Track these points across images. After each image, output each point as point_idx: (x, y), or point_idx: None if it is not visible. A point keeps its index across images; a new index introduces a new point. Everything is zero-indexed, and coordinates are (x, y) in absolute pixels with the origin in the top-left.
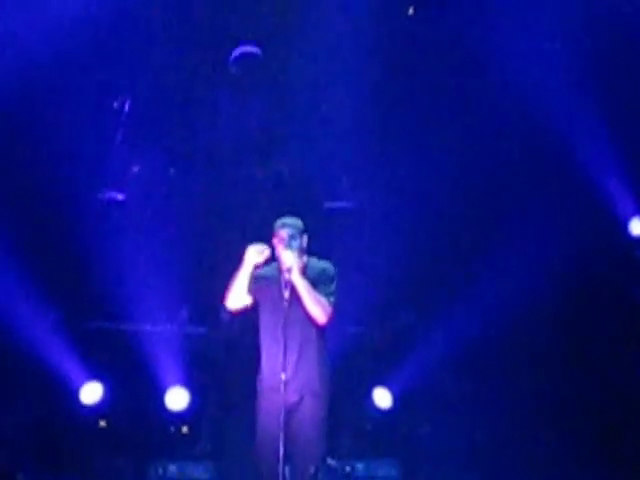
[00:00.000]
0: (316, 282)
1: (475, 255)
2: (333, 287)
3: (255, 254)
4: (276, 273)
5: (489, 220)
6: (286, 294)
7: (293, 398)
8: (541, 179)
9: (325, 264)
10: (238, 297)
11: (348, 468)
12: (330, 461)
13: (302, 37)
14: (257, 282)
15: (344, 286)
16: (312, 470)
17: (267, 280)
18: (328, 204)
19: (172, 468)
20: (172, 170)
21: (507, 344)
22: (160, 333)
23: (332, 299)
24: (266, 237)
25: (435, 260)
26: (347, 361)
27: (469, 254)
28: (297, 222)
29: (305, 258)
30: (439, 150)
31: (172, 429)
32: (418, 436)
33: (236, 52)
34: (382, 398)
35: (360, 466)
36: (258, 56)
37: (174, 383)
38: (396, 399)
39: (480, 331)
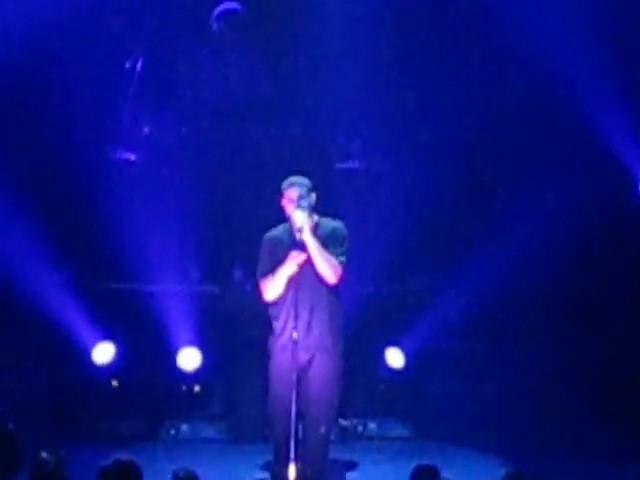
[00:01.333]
0: (327, 242)
1: (488, 217)
2: (344, 247)
3: (298, 258)
4: (287, 234)
5: (502, 183)
6: (298, 251)
7: (305, 357)
8: (553, 140)
9: (336, 224)
10: (278, 293)
11: (360, 428)
12: (342, 421)
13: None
14: (272, 244)
15: (357, 247)
16: (324, 429)
17: (278, 241)
18: (339, 165)
19: (184, 428)
20: (184, 129)
21: (519, 304)
22: (172, 293)
23: (342, 259)
24: (278, 196)
25: (447, 221)
26: (359, 321)
27: (482, 216)
28: (305, 181)
29: (316, 217)
30: (451, 111)
31: (184, 389)
32: (430, 396)
33: (220, 9)
34: (395, 358)
35: (372, 426)
36: (239, 13)
37: (186, 343)
38: (409, 359)
39: (492, 291)
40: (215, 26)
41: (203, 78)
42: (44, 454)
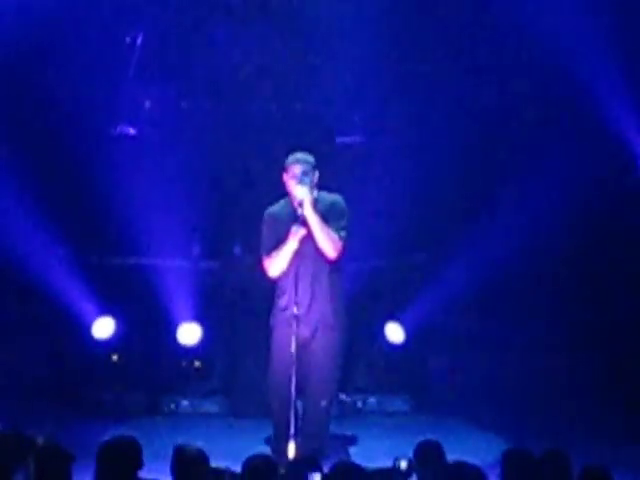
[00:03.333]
0: (326, 216)
1: (489, 192)
2: (344, 222)
3: (299, 233)
4: (287, 209)
5: (503, 157)
6: (299, 225)
7: (306, 332)
8: (554, 116)
9: (335, 198)
10: (282, 269)
11: (360, 403)
12: (342, 396)
13: None
14: (273, 219)
15: (358, 221)
16: (324, 404)
17: (279, 216)
18: (340, 139)
19: (184, 403)
20: (184, 104)
21: (520, 280)
22: (172, 268)
23: (343, 234)
24: (280, 171)
25: (449, 196)
26: (359, 296)
27: (483, 190)
28: (309, 158)
29: (315, 192)
30: (452, 85)
31: (184, 364)
32: (430, 371)
33: None
34: (395, 333)
35: (372, 401)
36: None
37: (186, 318)
38: (409, 334)
39: (494, 266)
40: None
41: (205, 53)
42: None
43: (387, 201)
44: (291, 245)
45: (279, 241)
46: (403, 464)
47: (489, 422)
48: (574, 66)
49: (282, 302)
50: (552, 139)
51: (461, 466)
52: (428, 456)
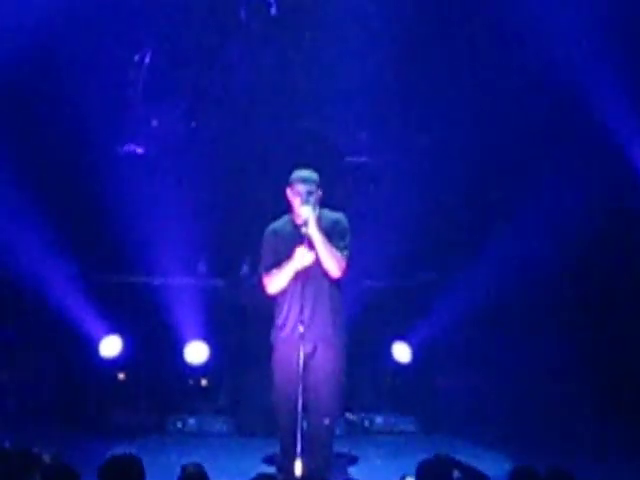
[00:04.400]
0: (329, 234)
1: (495, 212)
2: (347, 240)
3: (304, 256)
4: (289, 226)
5: (510, 178)
6: (303, 246)
7: (308, 349)
8: (562, 138)
9: (338, 216)
10: (282, 287)
11: (367, 422)
12: (349, 415)
13: None
14: (274, 236)
15: (365, 240)
16: (327, 422)
17: (281, 234)
18: (349, 158)
19: (191, 422)
20: (193, 123)
21: (526, 299)
22: (179, 286)
23: (346, 252)
24: (285, 190)
25: (456, 216)
26: (367, 315)
27: (489, 210)
28: (314, 176)
29: (317, 210)
30: (460, 107)
31: (191, 383)
32: (437, 390)
33: None
34: (401, 352)
35: (379, 420)
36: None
37: (193, 336)
38: (415, 353)
39: (499, 286)
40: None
41: (213, 72)
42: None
43: (394, 220)
44: (294, 265)
45: (279, 258)
46: None
47: (496, 442)
48: (579, 86)
49: (282, 320)
50: (557, 163)
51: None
52: (432, 473)
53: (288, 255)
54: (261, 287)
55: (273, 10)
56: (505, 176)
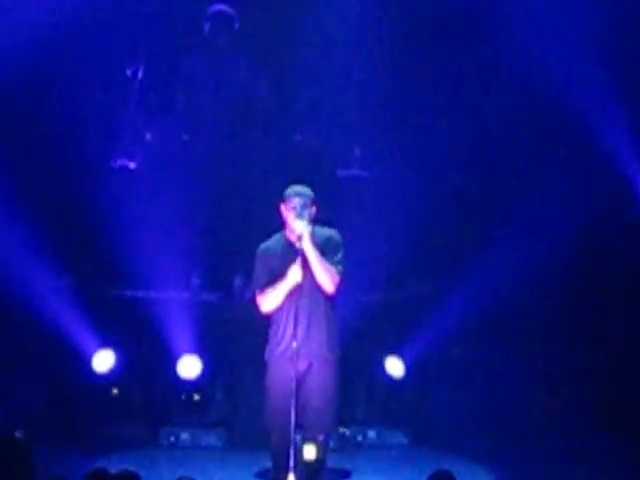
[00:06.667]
0: (323, 250)
1: (489, 225)
2: (340, 256)
3: (299, 274)
4: (281, 243)
5: (504, 191)
6: (297, 263)
7: (302, 365)
8: (554, 150)
9: (331, 232)
10: (277, 305)
11: (360, 436)
12: (342, 429)
13: (314, 4)
14: (267, 254)
15: (357, 254)
16: (321, 438)
17: (273, 252)
18: (341, 172)
19: (184, 436)
20: (185, 137)
21: (520, 314)
22: (172, 300)
23: (340, 268)
24: (279, 204)
25: (448, 229)
26: (359, 330)
27: (483, 224)
28: (308, 191)
29: (310, 226)
30: (452, 119)
31: (184, 397)
32: (430, 405)
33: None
34: (394, 367)
35: (372, 434)
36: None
37: (186, 351)
38: (408, 368)
39: (493, 301)
40: (207, 28)
41: (198, 84)
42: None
43: (387, 234)
44: (288, 283)
45: (273, 276)
46: None
47: (489, 456)
48: (575, 100)
49: (278, 337)
50: (551, 173)
51: None
52: None
53: (282, 272)
54: (255, 306)
55: (236, 25)
56: (500, 188)
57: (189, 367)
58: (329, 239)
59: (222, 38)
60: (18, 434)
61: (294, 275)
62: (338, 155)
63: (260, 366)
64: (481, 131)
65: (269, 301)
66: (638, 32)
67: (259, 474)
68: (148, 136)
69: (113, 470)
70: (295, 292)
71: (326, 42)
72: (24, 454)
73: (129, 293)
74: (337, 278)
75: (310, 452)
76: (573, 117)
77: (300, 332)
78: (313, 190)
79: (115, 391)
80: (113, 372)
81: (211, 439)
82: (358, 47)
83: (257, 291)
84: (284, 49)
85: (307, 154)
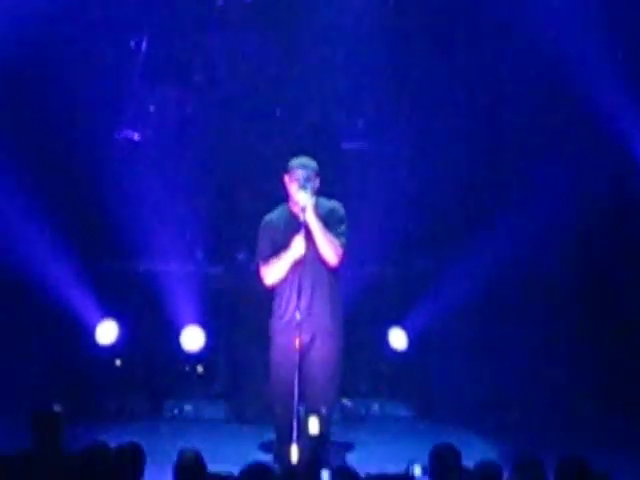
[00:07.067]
0: (326, 222)
1: (492, 198)
2: (343, 228)
3: (302, 246)
4: (285, 215)
5: (506, 163)
6: (300, 235)
7: (306, 337)
8: (557, 122)
9: (334, 204)
10: (280, 277)
11: (363, 408)
12: (345, 401)
13: None
14: (270, 226)
15: (361, 228)
16: (324, 410)
17: (277, 224)
18: (345, 144)
19: (187, 407)
20: (188, 109)
21: (523, 286)
22: (176, 272)
23: (343, 240)
24: (282, 176)
25: (452, 202)
26: (363, 302)
27: (486, 197)
28: (312, 163)
29: (314, 198)
30: (457, 93)
31: (187, 369)
32: (433, 377)
33: None
34: (398, 339)
35: (375, 407)
36: None
37: (190, 323)
38: (412, 340)
39: (497, 272)
40: (220, 1)
41: (211, 56)
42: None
43: (391, 207)
44: (292, 255)
45: (277, 249)
46: (417, 470)
47: (492, 428)
48: (574, 76)
49: (281, 309)
50: (552, 148)
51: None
52: (444, 459)
53: (285, 244)
54: (259, 278)
55: None
56: (503, 162)
57: (192, 339)
58: (332, 211)
59: (235, 11)
60: (56, 408)
61: (297, 247)
62: (342, 128)
63: (264, 338)
64: (486, 105)
65: (272, 273)
66: None
67: (262, 446)
68: (152, 108)
69: (114, 443)
70: (298, 264)
71: (331, 15)
72: (60, 425)
73: (133, 265)
74: (340, 250)
75: (314, 425)
76: (575, 92)
77: (303, 304)
78: (317, 162)
79: (118, 362)
80: (116, 344)
81: (214, 411)
82: (363, 18)
83: (260, 263)
84: (291, 22)
85: (312, 127)
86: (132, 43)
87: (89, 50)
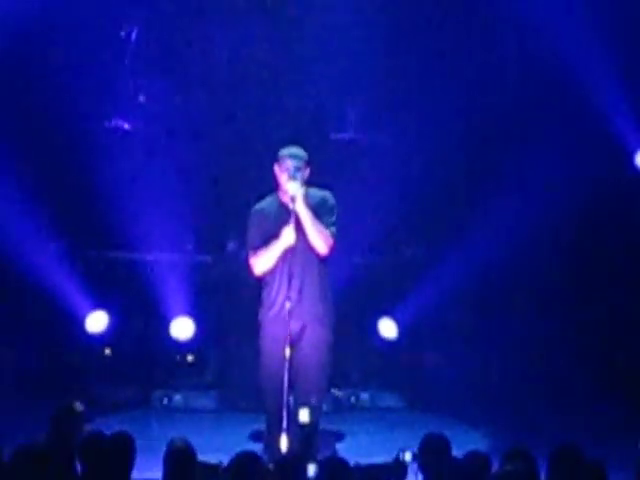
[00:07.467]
0: (317, 212)
1: (483, 188)
2: (334, 217)
3: (292, 236)
4: (275, 204)
5: (497, 153)
6: (290, 224)
7: (296, 327)
8: (549, 113)
9: (325, 193)
10: (269, 267)
11: (353, 398)
12: (335, 391)
13: None
14: (260, 216)
15: (351, 217)
16: (314, 400)
17: (267, 213)
18: (334, 135)
19: (177, 397)
20: (178, 99)
21: (513, 275)
22: (166, 262)
23: (333, 229)
24: (272, 166)
25: (442, 191)
26: (353, 292)
27: (477, 186)
28: (302, 153)
29: (304, 188)
30: (448, 82)
31: (177, 358)
32: (423, 367)
33: None
34: (388, 329)
35: (365, 397)
36: None
37: (179, 312)
38: (402, 330)
39: (486, 262)
40: None
41: (200, 48)
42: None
43: (381, 197)
44: (281, 245)
45: (266, 238)
46: (407, 456)
47: (482, 418)
48: (570, 66)
49: (270, 298)
50: (546, 137)
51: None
52: (434, 449)
53: (275, 234)
54: (249, 268)
55: None
56: (494, 151)
57: (182, 329)
58: (323, 201)
59: (235, 2)
60: (77, 407)
61: (287, 236)
62: (332, 118)
63: (254, 328)
64: (477, 95)
65: (262, 262)
66: None
67: (252, 436)
68: (142, 98)
69: (106, 432)
70: (288, 253)
71: (323, 6)
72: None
73: (123, 254)
74: (330, 240)
75: (304, 416)
76: (570, 80)
77: (293, 293)
78: (307, 152)
79: (108, 352)
80: (106, 333)
81: (204, 401)
82: (355, 9)
83: (250, 252)
84: (280, 12)
85: (302, 117)
86: (122, 33)
87: (80, 39)
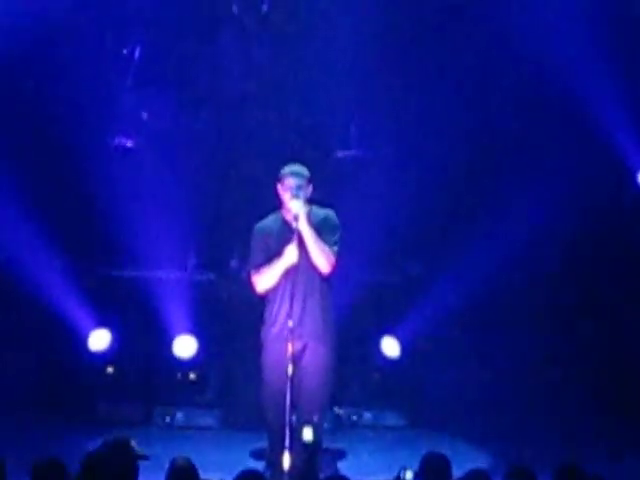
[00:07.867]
0: (319, 230)
1: (483, 206)
2: (336, 236)
3: (294, 254)
4: (278, 222)
5: (498, 171)
6: (293, 243)
7: (298, 345)
8: (551, 130)
9: (328, 212)
10: (271, 285)
11: (355, 417)
12: (337, 410)
13: None
14: (263, 234)
15: (353, 235)
16: (316, 418)
17: (270, 231)
18: (337, 152)
19: (179, 415)
20: (181, 116)
21: (515, 292)
22: (168, 280)
23: (336, 248)
24: (275, 184)
25: (444, 209)
26: (355, 310)
27: (477, 204)
28: (305, 171)
29: (307, 206)
30: (449, 100)
31: (179, 376)
32: (425, 385)
33: None
34: (390, 347)
35: (367, 415)
36: None
37: (182, 330)
38: (404, 348)
39: (490, 281)
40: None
41: (202, 65)
42: None
43: (383, 215)
44: (284, 263)
45: (269, 256)
46: (409, 474)
47: (484, 437)
48: (571, 80)
49: (272, 316)
50: (548, 154)
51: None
52: (434, 468)
53: (278, 252)
54: (251, 285)
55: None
56: (494, 169)
57: (185, 346)
58: (326, 219)
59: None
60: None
61: (290, 255)
62: (335, 135)
63: (256, 346)
64: (480, 111)
65: (264, 280)
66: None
67: (254, 454)
68: (144, 115)
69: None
70: (291, 272)
71: (325, 22)
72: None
73: (126, 272)
74: (333, 258)
75: (308, 434)
76: (573, 99)
77: (296, 312)
78: (309, 170)
79: (110, 370)
80: (109, 351)
81: (206, 419)
82: (356, 27)
83: (253, 270)
84: (284, 31)
85: (305, 134)
86: (125, 50)
87: (82, 56)
